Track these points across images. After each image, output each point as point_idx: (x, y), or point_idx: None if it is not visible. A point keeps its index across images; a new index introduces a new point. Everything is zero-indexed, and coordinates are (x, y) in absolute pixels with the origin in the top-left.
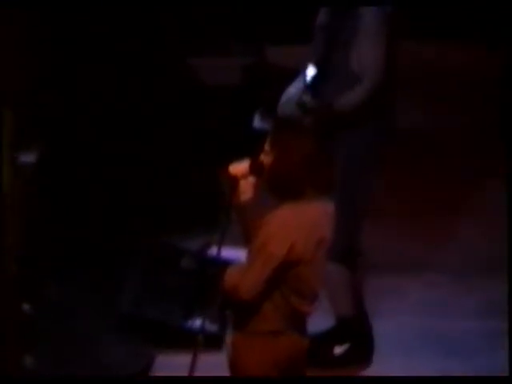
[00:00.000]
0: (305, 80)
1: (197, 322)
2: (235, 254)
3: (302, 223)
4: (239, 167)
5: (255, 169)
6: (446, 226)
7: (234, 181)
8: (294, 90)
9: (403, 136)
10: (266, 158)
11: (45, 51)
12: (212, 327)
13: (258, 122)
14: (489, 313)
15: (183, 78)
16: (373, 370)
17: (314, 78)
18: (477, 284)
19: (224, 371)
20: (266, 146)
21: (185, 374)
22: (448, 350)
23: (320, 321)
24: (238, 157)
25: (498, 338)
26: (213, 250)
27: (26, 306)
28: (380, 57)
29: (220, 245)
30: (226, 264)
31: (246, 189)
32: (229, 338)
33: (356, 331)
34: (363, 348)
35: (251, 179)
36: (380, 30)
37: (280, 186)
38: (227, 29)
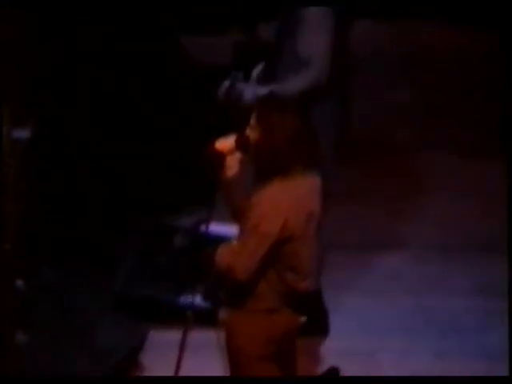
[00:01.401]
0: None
1: (188, 299)
2: (225, 229)
3: (291, 199)
4: (225, 143)
5: (241, 144)
6: (441, 204)
7: (221, 156)
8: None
9: (402, 113)
10: (252, 134)
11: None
12: (204, 304)
13: (248, 97)
14: (484, 291)
15: (173, 55)
16: (369, 350)
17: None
18: (472, 262)
19: (214, 348)
20: (252, 122)
21: (176, 350)
22: (443, 328)
23: None
24: (225, 132)
25: (494, 316)
26: (204, 228)
27: (19, 282)
28: (325, 47)
29: (208, 221)
30: (216, 240)
31: (233, 164)
32: (223, 315)
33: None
34: (321, 320)
35: (237, 155)
36: (325, 18)
37: (266, 162)
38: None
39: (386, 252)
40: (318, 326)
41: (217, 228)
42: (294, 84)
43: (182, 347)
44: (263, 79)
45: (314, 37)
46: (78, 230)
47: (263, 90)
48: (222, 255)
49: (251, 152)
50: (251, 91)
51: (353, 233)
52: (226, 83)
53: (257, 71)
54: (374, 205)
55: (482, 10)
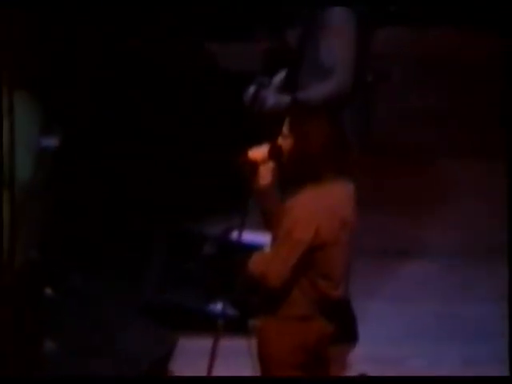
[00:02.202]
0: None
1: (218, 307)
2: (256, 238)
3: (324, 206)
4: (258, 152)
5: (274, 153)
6: (466, 211)
7: (254, 166)
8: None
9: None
10: (284, 143)
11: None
12: (234, 312)
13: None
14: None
15: (205, 63)
16: (397, 357)
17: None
18: (498, 268)
19: (245, 356)
20: (285, 130)
21: (206, 358)
22: (471, 335)
23: None
24: (258, 142)
25: None
26: (234, 235)
27: (48, 291)
28: (348, 55)
29: (241, 230)
30: (247, 248)
31: (266, 173)
32: (254, 323)
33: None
34: (350, 328)
35: (270, 164)
36: (348, 22)
37: (300, 170)
38: (250, 14)
39: (411, 259)
40: (348, 333)
41: (248, 236)
42: (318, 92)
43: (213, 355)
44: (285, 86)
45: (337, 42)
46: (106, 236)
47: (286, 98)
48: (256, 263)
49: (284, 161)
50: (273, 98)
51: (378, 240)
52: (252, 89)
53: (279, 78)
54: (399, 211)
55: (486, 12)
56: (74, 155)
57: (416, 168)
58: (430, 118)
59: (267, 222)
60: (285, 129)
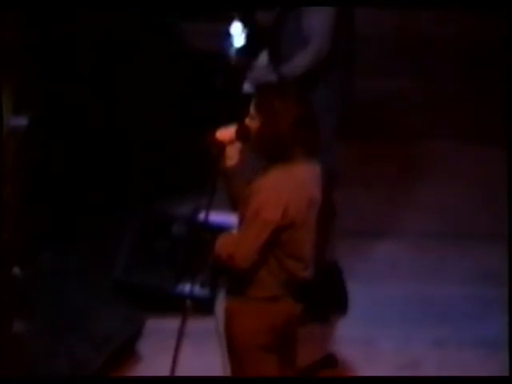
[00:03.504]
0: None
1: (187, 287)
2: (224, 218)
3: (292, 186)
4: (226, 133)
5: (242, 134)
6: (441, 192)
7: (221, 146)
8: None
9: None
10: (252, 123)
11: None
12: (202, 292)
13: (247, 87)
14: (483, 278)
15: (174, 42)
16: (367, 337)
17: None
18: (471, 250)
19: (213, 337)
20: (252, 111)
21: (174, 338)
22: (442, 316)
23: None
24: (225, 122)
25: (493, 304)
26: (202, 216)
27: (16, 270)
28: (326, 24)
29: (207, 210)
30: (215, 229)
31: (233, 154)
32: (221, 303)
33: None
34: (341, 299)
35: (238, 145)
36: None
37: (268, 150)
38: None
39: (384, 239)
40: (339, 303)
41: (215, 217)
42: (299, 62)
43: (180, 335)
44: (271, 62)
45: (317, 13)
46: (78, 216)
47: (273, 75)
48: (223, 244)
49: (252, 140)
50: (264, 76)
51: (350, 219)
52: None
53: (263, 57)
54: (373, 191)
55: None
56: (44, 132)
57: (395, 150)
58: (406, 100)
59: (234, 203)
60: (252, 109)
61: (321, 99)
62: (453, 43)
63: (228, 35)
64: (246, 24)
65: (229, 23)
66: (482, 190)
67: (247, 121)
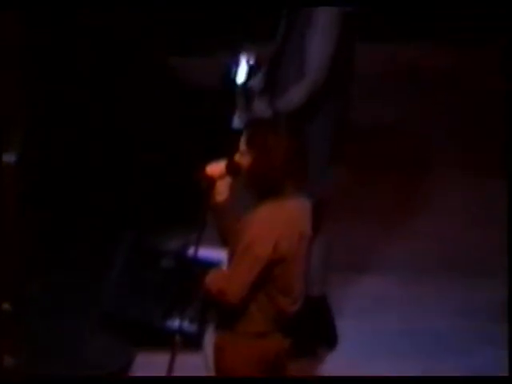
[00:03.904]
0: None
1: (176, 322)
2: (213, 254)
3: (283, 220)
4: (216, 167)
5: (232, 169)
6: (433, 223)
7: (211, 181)
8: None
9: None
10: (243, 159)
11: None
12: (191, 327)
13: (236, 122)
14: (470, 312)
15: (165, 77)
16: (355, 373)
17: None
18: (459, 284)
19: (202, 372)
20: (242, 147)
21: (163, 373)
22: (430, 350)
23: None
24: (216, 157)
25: (481, 337)
26: (191, 251)
27: (5, 306)
28: (326, 55)
29: (197, 245)
30: (205, 264)
31: (223, 189)
32: (210, 339)
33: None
34: (330, 333)
35: (228, 179)
36: (332, 27)
37: (261, 185)
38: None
39: (372, 273)
40: (327, 338)
41: (205, 252)
42: (295, 96)
43: (170, 371)
44: (265, 90)
45: (316, 44)
46: (65, 246)
47: (268, 109)
48: (213, 279)
49: (244, 176)
50: (262, 110)
51: (340, 251)
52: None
53: (257, 82)
54: (365, 221)
55: (466, 29)
56: (32, 170)
57: (390, 180)
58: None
59: (224, 238)
60: (243, 145)
61: (316, 128)
62: (449, 74)
63: (230, 70)
64: (249, 57)
65: (227, 58)
66: (477, 223)
67: (237, 157)
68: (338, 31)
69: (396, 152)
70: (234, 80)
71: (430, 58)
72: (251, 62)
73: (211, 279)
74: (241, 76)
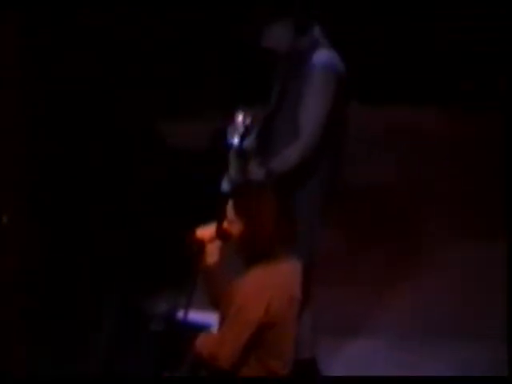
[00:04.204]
0: (239, 128)
1: None
2: (203, 317)
3: (274, 284)
4: (206, 231)
5: (222, 233)
6: (423, 288)
7: (201, 244)
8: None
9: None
10: (233, 227)
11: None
12: None
13: (225, 186)
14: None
15: (153, 141)
16: None
17: (248, 126)
18: (447, 349)
19: None
20: (230, 215)
21: None
22: None
23: None
24: (206, 220)
25: None
26: (181, 314)
27: None
28: (319, 119)
29: (187, 308)
30: (194, 327)
31: (213, 252)
32: None
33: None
34: None
35: (218, 243)
36: (327, 90)
37: (252, 251)
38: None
39: (360, 337)
40: None
41: (195, 315)
42: (288, 158)
43: None
44: (258, 151)
45: (311, 109)
46: (49, 312)
47: (260, 173)
48: (204, 343)
49: (235, 243)
50: (256, 172)
51: (328, 314)
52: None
53: (250, 143)
54: (355, 285)
55: (470, 95)
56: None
57: (382, 241)
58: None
59: (213, 301)
60: (230, 213)
61: (305, 190)
62: (449, 138)
63: (225, 131)
64: (245, 118)
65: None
66: (468, 286)
67: (226, 225)
68: (332, 95)
69: (391, 215)
70: (228, 141)
71: (429, 122)
72: (247, 123)
73: (202, 343)
74: (236, 137)
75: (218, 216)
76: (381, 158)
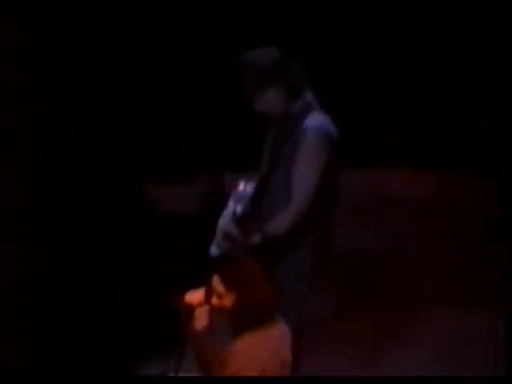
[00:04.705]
0: (233, 211)
1: None
2: None
3: (267, 349)
4: (195, 296)
5: (211, 297)
6: (402, 359)
7: (190, 309)
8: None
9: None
10: (224, 300)
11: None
12: None
13: (214, 250)
14: None
15: (141, 206)
16: None
17: (243, 211)
18: None
19: None
20: (219, 289)
21: None
22: None
23: None
24: (194, 285)
25: None
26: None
27: None
28: (310, 183)
29: (176, 373)
30: None
31: (202, 317)
32: None
33: None
34: None
35: (206, 308)
36: (318, 156)
37: (246, 318)
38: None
39: None
40: None
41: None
42: (281, 223)
43: None
44: (251, 215)
45: (303, 172)
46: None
47: (257, 237)
48: None
49: (230, 315)
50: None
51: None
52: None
53: (244, 207)
54: (344, 352)
55: (448, 157)
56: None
57: (372, 310)
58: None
59: (203, 366)
60: (219, 287)
61: (296, 255)
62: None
63: (220, 196)
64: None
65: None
66: (456, 354)
67: (216, 300)
68: (324, 159)
69: (379, 282)
70: (230, 209)
71: (412, 185)
72: (248, 190)
73: None
74: (238, 204)
75: (206, 281)
76: (370, 224)
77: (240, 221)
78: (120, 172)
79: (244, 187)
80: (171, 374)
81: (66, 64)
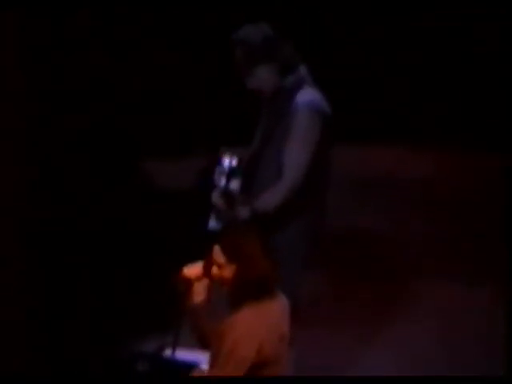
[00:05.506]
0: (225, 170)
1: None
2: (190, 355)
3: (265, 322)
4: (193, 270)
5: (209, 271)
6: (399, 334)
7: (188, 283)
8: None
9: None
10: (224, 271)
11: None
12: None
13: (213, 224)
14: None
15: (139, 179)
16: None
17: (234, 167)
18: None
19: None
20: (219, 260)
21: None
22: None
23: None
24: (193, 259)
25: None
26: (168, 353)
27: None
28: (302, 159)
29: (174, 347)
30: (181, 366)
31: (200, 291)
32: None
33: None
34: None
35: (205, 281)
36: (311, 132)
37: (246, 290)
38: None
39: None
40: None
41: (182, 354)
42: (272, 198)
43: None
44: (243, 191)
45: (295, 149)
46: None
47: (245, 211)
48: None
49: (230, 286)
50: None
51: (313, 356)
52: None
53: (236, 183)
54: (341, 328)
55: (446, 135)
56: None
57: (369, 288)
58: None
59: (201, 340)
60: (219, 258)
61: (289, 234)
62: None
63: (211, 171)
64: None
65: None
66: (455, 330)
67: (216, 270)
68: (316, 134)
69: (375, 260)
70: (215, 183)
71: (408, 164)
72: (233, 164)
73: None
74: (222, 178)
75: (205, 254)
76: (369, 202)
77: (225, 194)
78: (119, 151)
79: (229, 161)
80: (169, 349)
81: (66, 64)
